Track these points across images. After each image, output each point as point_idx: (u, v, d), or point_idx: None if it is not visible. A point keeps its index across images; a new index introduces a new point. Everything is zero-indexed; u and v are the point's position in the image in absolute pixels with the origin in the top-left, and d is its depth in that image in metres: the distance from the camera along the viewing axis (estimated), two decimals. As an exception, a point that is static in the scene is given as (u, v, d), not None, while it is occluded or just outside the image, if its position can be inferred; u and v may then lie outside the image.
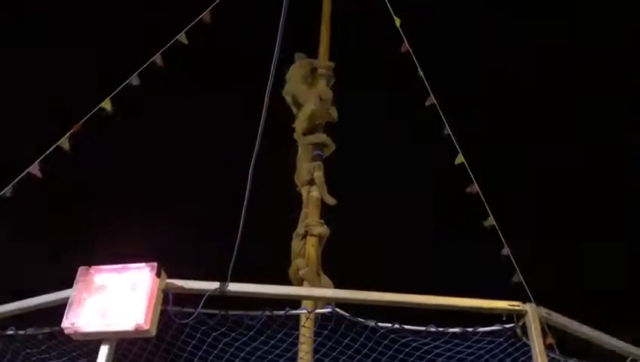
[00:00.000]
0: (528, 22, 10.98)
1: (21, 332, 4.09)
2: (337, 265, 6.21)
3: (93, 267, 3.90)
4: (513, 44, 10.62)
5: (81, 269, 3.89)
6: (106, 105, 7.03)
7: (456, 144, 7.32)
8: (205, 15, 7.62)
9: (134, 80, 7.17)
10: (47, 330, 4.03)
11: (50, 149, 6.88)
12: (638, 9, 10.01)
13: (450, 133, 7.23)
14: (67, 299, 3.80)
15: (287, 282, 5.95)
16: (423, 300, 4.04)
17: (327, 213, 6.31)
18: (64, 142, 6.91)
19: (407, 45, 7.56)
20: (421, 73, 7.44)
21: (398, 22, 7.64)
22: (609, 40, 10.64)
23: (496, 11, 10.52)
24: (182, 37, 7.40)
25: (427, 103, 7.47)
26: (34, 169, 6.72)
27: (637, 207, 10.34)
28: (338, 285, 5.71)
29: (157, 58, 7.27)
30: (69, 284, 3.87)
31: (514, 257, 7.10)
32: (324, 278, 5.94)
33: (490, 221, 7.31)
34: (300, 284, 5.87)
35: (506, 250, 7.28)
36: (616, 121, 10.80)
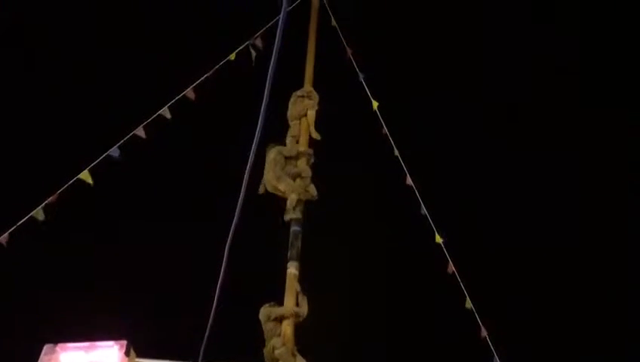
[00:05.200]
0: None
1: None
2: (314, 346, 6.07)
3: (59, 345, 3.77)
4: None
5: (46, 347, 3.77)
6: (86, 177, 7.03)
7: (431, 223, 7.39)
8: (189, 91, 7.79)
9: (114, 152, 7.22)
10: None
11: (23, 220, 6.79)
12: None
13: (427, 213, 7.31)
14: (30, 379, 3.65)
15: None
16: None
17: (303, 293, 6.21)
18: (38, 213, 6.84)
19: (386, 129, 7.73)
20: (397, 153, 7.58)
21: (375, 105, 7.86)
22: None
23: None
24: (165, 111, 7.53)
25: (407, 183, 7.58)
26: (3, 239, 6.60)
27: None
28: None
29: (139, 130, 7.35)
30: (32, 362, 3.72)
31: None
32: (300, 359, 5.80)
33: (468, 303, 7.30)
34: (275, 365, 5.70)
35: (483, 332, 7.23)
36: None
